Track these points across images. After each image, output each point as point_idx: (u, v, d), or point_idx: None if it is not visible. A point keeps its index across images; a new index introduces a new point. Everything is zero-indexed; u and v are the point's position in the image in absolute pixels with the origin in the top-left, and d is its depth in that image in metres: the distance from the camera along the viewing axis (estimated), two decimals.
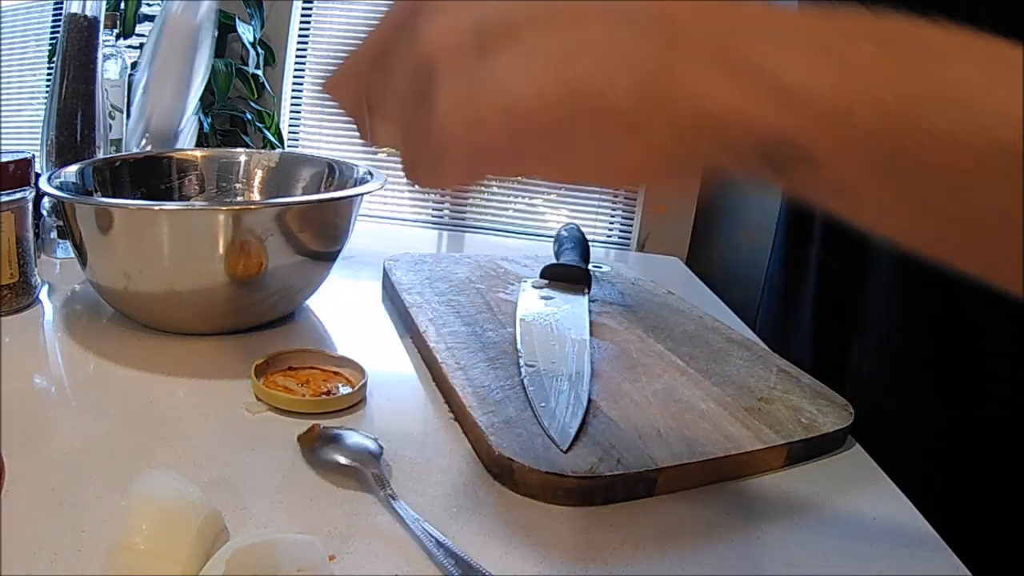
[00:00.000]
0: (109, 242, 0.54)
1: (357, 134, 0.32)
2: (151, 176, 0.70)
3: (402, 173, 0.31)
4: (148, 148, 0.77)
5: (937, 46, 0.24)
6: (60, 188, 0.58)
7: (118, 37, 0.90)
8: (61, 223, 0.69)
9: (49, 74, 2.36)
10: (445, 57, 0.26)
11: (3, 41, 2.48)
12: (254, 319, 0.59)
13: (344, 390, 0.49)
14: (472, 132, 0.26)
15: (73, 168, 0.63)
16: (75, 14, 0.66)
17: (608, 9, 0.25)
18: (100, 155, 0.69)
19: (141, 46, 2.40)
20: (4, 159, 0.54)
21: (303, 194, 0.72)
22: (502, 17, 0.25)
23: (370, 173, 0.66)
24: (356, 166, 0.69)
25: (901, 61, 0.23)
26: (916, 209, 0.25)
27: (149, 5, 2.27)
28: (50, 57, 2.37)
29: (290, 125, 2.73)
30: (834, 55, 0.24)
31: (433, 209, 2.82)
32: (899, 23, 0.24)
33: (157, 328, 0.57)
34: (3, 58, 2.49)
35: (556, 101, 0.25)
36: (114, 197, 0.66)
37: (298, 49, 2.70)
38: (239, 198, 0.72)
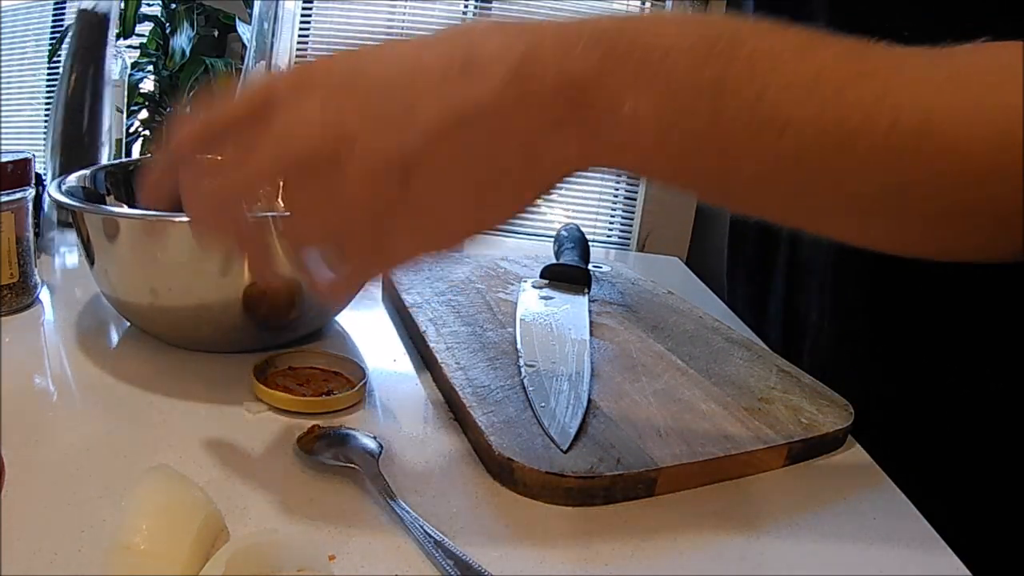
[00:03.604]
0: (118, 252, 0.51)
1: None
2: None
3: None
4: None
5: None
6: (70, 193, 0.55)
7: (118, 37, 0.90)
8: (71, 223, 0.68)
9: (49, 74, 2.36)
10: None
11: (3, 41, 2.48)
12: (286, 337, 0.55)
13: (344, 390, 0.49)
14: None
15: (85, 172, 0.60)
16: (86, 9, 0.66)
17: None
18: (105, 151, 0.69)
19: (141, 46, 2.39)
20: (4, 159, 0.54)
21: None
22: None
23: None
24: None
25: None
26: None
27: (149, 5, 2.26)
28: (50, 57, 2.37)
29: None
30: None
31: None
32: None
33: (177, 346, 0.54)
34: (3, 58, 2.49)
35: None
36: (128, 205, 0.62)
37: (298, 49, 2.70)
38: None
